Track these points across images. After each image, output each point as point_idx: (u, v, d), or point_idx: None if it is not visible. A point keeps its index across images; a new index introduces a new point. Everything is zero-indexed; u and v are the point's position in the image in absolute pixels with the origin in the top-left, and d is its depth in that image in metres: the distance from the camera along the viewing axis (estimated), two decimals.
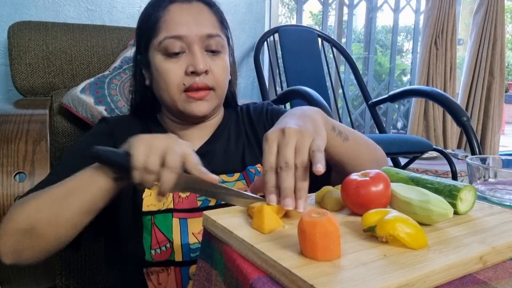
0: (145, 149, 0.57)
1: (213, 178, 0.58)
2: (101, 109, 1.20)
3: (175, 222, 0.73)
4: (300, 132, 0.54)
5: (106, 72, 1.28)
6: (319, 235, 0.39)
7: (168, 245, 0.72)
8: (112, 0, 1.70)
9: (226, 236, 0.48)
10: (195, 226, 0.74)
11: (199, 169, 0.58)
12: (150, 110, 0.89)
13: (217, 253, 0.50)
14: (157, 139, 0.59)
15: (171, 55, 0.77)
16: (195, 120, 0.83)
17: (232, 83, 0.90)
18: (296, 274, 0.37)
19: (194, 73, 0.76)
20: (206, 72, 0.77)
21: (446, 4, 2.69)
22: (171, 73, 0.77)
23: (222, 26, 0.83)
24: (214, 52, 0.79)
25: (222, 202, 0.74)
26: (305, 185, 0.52)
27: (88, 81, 1.25)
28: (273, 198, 0.52)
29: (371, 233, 0.45)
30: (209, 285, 0.50)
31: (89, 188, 0.62)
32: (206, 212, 0.53)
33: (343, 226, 0.49)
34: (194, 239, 0.73)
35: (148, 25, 0.80)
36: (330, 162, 0.71)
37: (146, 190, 0.76)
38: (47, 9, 1.59)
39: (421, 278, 0.38)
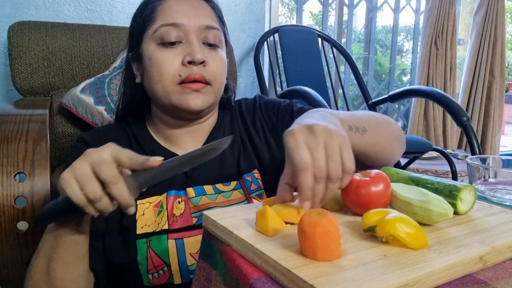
0: (75, 182, 0.52)
1: (153, 161, 0.53)
2: (101, 109, 1.20)
3: (171, 244, 0.70)
4: (328, 131, 0.51)
5: (106, 72, 1.28)
6: (319, 235, 0.39)
7: (165, 269, 0.70)
8: (112, 0, 1.70)
9: (226, 236, 0.48)
10: (192, 246, 0.71)
11: (137, 161, 0.53)
12: (138, 114, 0.84)
13: (217, 253, 0.49)
14: (78, 165, 0.53)
15: (166, 44, 0.73)
16: (190, 116, 0.77)
17: (230, 87, 0.87)
18: (296, 274, 0.37)
19: (191, 63, 0.72)
20: (203, 63, 0.73)
21: (446, 4, 2.69)
22: (166, 63, 0.72)
23: (220, 22, 0.80)
24: (211, 46, 0.76)
25: None
26: (330, 197, 0.51)
27: (88, 81, 1.25)
28: (307, 205, 0.49)
29: (371, 233, 0.45)
30: (209, 285, 0.50)
31: (61, 247, 0.60)
32: (206, 212, 0.52)
33: (343, 226, 0.49)
34: (192, 260, 0.70)
35: (143, 15, 0.76)
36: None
37: (139, 208, 0.73)
38: (47, 9, 1.59)
39: (421, 278, 0.37)
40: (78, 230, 0.60)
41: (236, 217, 0.51)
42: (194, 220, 0.73)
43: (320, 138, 0.50)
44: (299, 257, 0.41)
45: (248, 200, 0.76)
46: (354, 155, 0.59)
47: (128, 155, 0.53)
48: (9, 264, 0.92)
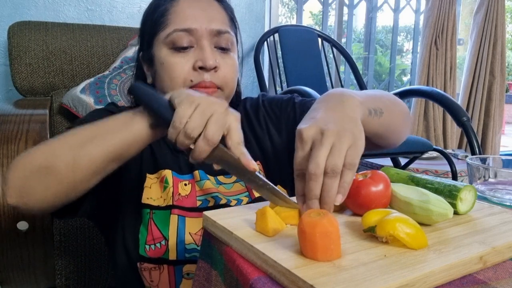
0: (191, 109, 0.53)
1: (251, 165, 0.53)
2: None
3: (173, 219, 0.71)
4: (338, 134, 0.49)
5: (106, 72, 1.28)
6: (319, 235, 0.39)
7: (163, 243, 0.71)
8: (112, 0, 1.70)
9: (226, 236, 0.48)
10: (193, 226, 0.72)
11: (240, 149, 0.54)
12: None
13: (217, 253, 0.50)
14: (207, 102, 0.54)
15: (178, 49, 0.73)
16: None
17: (238, 84, 0.87)
18: (296, 275, 0.37)
19: (202, 69, 0.72)
20: (215, 69, 0.73)
21: (446, 4, 2.69)
22: (178, 68, 0.73)
23: (232, 23, 0.80)
24: (223, 50, 0.76)
25: (221, 203, 0.73)
26: (331, 195, 0.48)
27: (88, 81, 1.25)
28: (305, 207, 0.50)
29: (371, 233, 0.45)
30: (209, 285, 0.50)
31: (122, 132, 0.57)
32: (206, 212, 0.52)
33: (343, 226, 0.49)
34: (190, 239, 0.71)
35: (155, 17, 0.76)
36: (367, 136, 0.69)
37: (147, 180, 0.74)
38: (47, 9, 1.59)
39: (421, 278, 0.37)
40: (146, 131, 0.57)
41: (236, 218, 0.51)
42: (198, 203, 0.74)
43: (326, 140, 0.49)
44: (299, 257, 0.40)
45: (249, 191, 0.77)
46: (367, 137, 0.58)
47: (238, 140, 0.54)
48: (9, 264, 0.92)
